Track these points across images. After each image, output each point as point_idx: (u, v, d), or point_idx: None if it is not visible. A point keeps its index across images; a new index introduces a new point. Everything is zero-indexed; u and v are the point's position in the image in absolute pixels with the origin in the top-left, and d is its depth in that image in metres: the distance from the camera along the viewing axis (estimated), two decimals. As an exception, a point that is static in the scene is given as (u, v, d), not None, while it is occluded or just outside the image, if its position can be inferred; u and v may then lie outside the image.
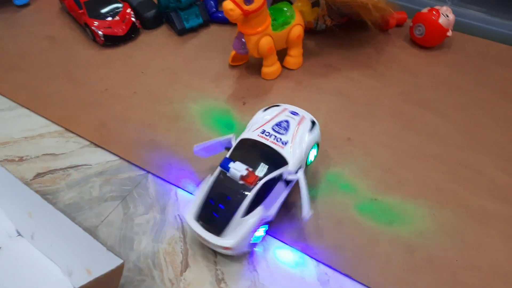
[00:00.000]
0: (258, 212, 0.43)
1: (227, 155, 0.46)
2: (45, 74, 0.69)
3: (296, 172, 0.46)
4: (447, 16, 0.70)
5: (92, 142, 0.58)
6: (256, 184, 0.43)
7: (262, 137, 0.47)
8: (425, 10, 0.72)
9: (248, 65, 0.70)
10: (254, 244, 0.46)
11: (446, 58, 0.72)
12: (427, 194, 0.51)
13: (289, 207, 0.50)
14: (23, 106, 0.63)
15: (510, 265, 0.45)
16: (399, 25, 0.78)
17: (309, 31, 0.75)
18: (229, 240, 0.42)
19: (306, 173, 0.49)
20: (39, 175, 0.54)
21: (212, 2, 0.78)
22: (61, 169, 0.55)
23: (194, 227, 0.44)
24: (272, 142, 0.47)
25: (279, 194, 0.45)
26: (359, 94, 0.65)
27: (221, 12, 0.78)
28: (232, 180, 0.44)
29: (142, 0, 0.77)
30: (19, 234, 0.48)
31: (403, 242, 0.46)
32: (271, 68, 0.66)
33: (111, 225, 0.49)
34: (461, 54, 0.73)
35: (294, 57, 0.68)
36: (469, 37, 0.77)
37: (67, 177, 0.54)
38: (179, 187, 0.52)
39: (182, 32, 0.76)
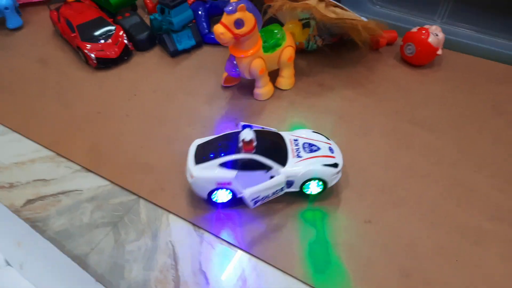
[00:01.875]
0: (228, 173, 0.49)
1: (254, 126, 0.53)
2: (36, 97, 0.69)
3: (287, 183, 0.50)
4: (437, 35, 0.71)
5: (83, 167, 0.58)
6: (247, 153, 0.48)
7: (290, 141, 0.53)
8: (414, 30, 0.73)
9: (241, 86, 0.70)
10: (217, 203, 0.52)
11: (437, 76, 0.73)
12: (422, 215, 0.51)
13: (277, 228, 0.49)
14: (14, 130, 0.63)
15: (507, 285, 0.44)
16: (390, 44, 0.79)
17: (301, 51, 0.75)
18: (197, 170, 0.49)
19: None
20: (29, 201, 0.53)
21: (204, 24, 0.78)
22: (51, 195, 0.54)
23: (191, 149, 0.51)
24: (292, 149, 0.52)
25: (259, 181, 0.49)
26: (352, 112, 0.65)
27: (214, 33, 0.78)
28: (236, 138, 0.50)
29: (134, 22, 0.78)
30: (8, 264, 0.47)
31: (399, 266, 0.46)
32: (263, 89, 0.66)
33: (102, 252, 0.48)
34: (452, 71, 0.74)
35: (286, 78, 0.69)
36: (459, 54, 0.78)
37: (57, 203, 0.53)
38: (171, 212, 0.52)
39: (174, 53, 0.76)
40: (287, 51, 0.65)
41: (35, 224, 0.51)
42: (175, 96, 0.69)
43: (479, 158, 0.58)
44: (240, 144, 0.48)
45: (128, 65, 0.75)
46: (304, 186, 0.51)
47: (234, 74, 0.65)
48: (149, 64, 0.76)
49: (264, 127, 0.54)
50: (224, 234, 0.49)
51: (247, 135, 0.48)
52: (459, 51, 0.78)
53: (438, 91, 0.70)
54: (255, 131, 0.51)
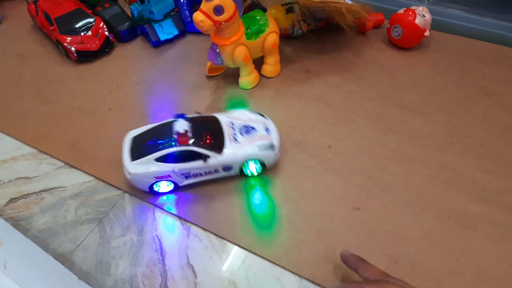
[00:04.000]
0: (165, 166, 0.49)
1: (188, 114, 0.52)
2: (16, 93, 0.67)
3: (224, 168, 0.51)
4: (424, 16, 0.70)
5: (66, 163, 0.57)
6: (182, 144, 0.48)
7: (227, 125, 0.52)
8: (401, 11, 0.71)
9: (226, 75, 0.69)
10: (158, 193, 0.52)
11: (425, 58, 0.72)
12: (409, 200, 0.51)
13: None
14: (-6, 128, 0.62)
15: (494, 270, 0.44)
16: (377, 27, 0.78)
17: (286, 37, 0.74)
18: (134, 167, 0.48)
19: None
20: (12, 200, 0.52)
21: (187, 12, 0.77)
22: (34, 193, 0.53)
23: (126, 142, 0.51)
24: (228, 133, 0.51)
25: (197, 170, 0.50)
26: (338, 99, 0.65)
27: (197, 21, 0.76)
28: (171, 129, 0.49)
29: (115, 13, 0.76)
30: (-10, 265, 0.46)
31: (387, 252, 0.46)
32: (248, 77, 0.65)
33: (87, 249, 0.47)
34: (440, 53, 0.73)
35: (271, 65, 0.67)
36: (448, 35, 0.77)
37: (40, 201, 0.52)
38: (157, 206, 0.51)
39: (157, 44, 0.74)
40: (270, 37, 0.64)
41: (18, 223, 0.50)
42: (159, 88, 0.67)
43: (467, 140, 0.58)
44: (175, 136, 0.48)
45: (110, 57, 0.74)
46: (243, 168, 0.52)
47: (217, 63, 0.63)
48: (131, 56, 0.74)
49: (200, 113, 0.54)
50: (209, 226, 0.49)
51: (180, 127, 0.48)
52: (447, 32, 0.77)
53: (425, 74, 0.69)
54: (190, 119, 0.51)
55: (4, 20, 0.82)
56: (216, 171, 0.51)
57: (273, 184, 0.53)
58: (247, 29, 0.62)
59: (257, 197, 0.52)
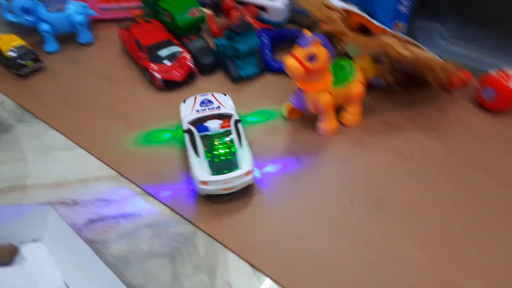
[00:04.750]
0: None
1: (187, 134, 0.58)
2: (102, 114, 0.70)
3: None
4: (519, 80, 0.66)
5: (145, 190, 0.58)
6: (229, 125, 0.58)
7: (201, 112, 0.60)
8: (493, 73, 0.68)
9: (304, 118, 0.68)
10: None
11: (516, 123, 0.67)
12: (492, 277, 0.46)
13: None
14: (79, 146, 0.64)
15: None
16: (463, 85, 0.75)
17: (368, 86, 0.72)
18: (246, 166, 0.54)
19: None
20: (90, 221, 0.54)
21: (268, 52, 0.78)
22: (112, 216, 0.54)
23: (215, 179, 0.52)
24: (213, 109, 0.61)
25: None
26: (421, 157, 0.62)
27: (277, 61, 0.77)
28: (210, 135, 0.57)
29: (200, 46, 0.78)
30: (67, 287, 0.46)
31: None
32: (328, 124, 0.64)
33: (158, 284, 0.47)
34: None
35: (352, 114, 0.66)
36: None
37: (117, 226, 0.53)
38: (231, 250, 0.50)
39: (237, 79, 0.76)
40: (356, 87, 0.63)
41: (94, 246, 0.51)
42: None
43: None
44: (222, 130, 0.57)
45: (191, 88, 0.76)
46: None
47: (300, 107, 0.63)
48: (211, 88, 0.75)
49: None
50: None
51: (215, 123, 0.58)
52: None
53: (518, 141, 0.64)
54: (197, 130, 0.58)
55: (95, 41, 0.87)
56: None
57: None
58: (334, 76, 0.61)
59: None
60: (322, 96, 0.60)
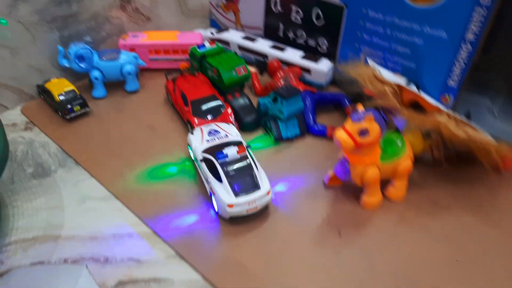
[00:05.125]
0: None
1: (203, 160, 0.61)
2: (141, 164, 0.70)
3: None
4: None
5: (178, 252, 0.55)
6: (245, 150, 0.61)
7: (211, 141, 0.64)
8: (550, 157, 0.65)
9: (344, 187, 0.66)
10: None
11: None
12: None
13: None
14: (116, 197, 0.64)
15: None
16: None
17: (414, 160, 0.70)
18: (265, 186, 0.58)
19: None
20: (120, 283, 0.51)
21: (311, 115, 0.77)
22: (143, 280, 0.52)
23: (241, 201, 0.56)
24: (222, 137, 0.65)
25: None
26: (473, 245, 0.57)
27: (319, 125, 0.76)
28: (229, 161, 0.59)
29: (243, 104, 0.79)
30: None
31: None
32: (373, 198, 0.61)
33: None
34: None
35: (398, 190, 0.63)
36: None
37: (147, 291, 0.51)
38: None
39: (278, 140, 0.75)
40: (405, 162, 0.61)
41: (123, 311, 0.48)
42: (275, 184, 0.66)
43: None
44: (238, 156, 0.60)
45: (231, 144, 0.75)
46: None
47: (344, 177, 0.61)
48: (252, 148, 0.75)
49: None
50: None
51: (232, 149, 0.60)
52: None
53: None
54: (217, 154, 0.60)
55: (141, 90, 0.89)
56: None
57: None
58: (383, 151, 0.59)
59: None
60: (369, 170, 0.58)
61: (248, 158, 0.60)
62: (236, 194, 0.57)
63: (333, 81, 0.90)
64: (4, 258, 0.54)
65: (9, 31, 0.75)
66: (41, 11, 0.78)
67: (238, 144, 0.62)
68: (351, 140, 0.54)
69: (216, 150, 0.60)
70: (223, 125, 0.69)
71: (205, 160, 0.61)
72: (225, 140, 0.64)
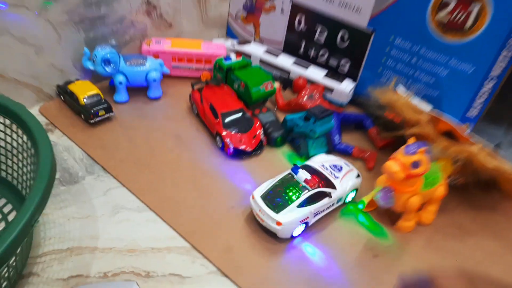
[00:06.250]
0: (309, 209, 0.59)
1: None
2: (172, 176, 0.68)
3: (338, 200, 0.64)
4: None
5: (219, 269, 0.55)
6: (315, 187, 0.59)
7: (321, 167, 0.66)
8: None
9: (378, 210, 0.68)
10: (293, 237, 0.60)
11: None
12: None
13: None
14: (150, 209, 0.62)
15: None
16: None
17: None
18: (283, 217, 0.57)
19: None
20: (165, 300, 0.50)
21: (337, 134, 0.79)
22: (188, 297, 0.51)
23: (259, 201, 0.59)
24: (327, 173, 0.65)
25: (323, 207, 0.62)
26: (497, 272, 0.60)
27: (344, 144, 0.78)
28: (295, 181, 0.61)
29: (271, 119, 0.79)
30: None
31: None
32: (409, 223, 0.63)
33: None
34: None
35: (429, 213, 0.65)
36: None
37: (194, 309, 0.50)
38: None
39: (305, 157, 0.76)
40: (441, 189, 0.63)
41: (170, 330, 0.47)
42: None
43: None
44: (304, 183, 0.60)
45: (259, 158, 0.75)
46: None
47: (386, 205, 0.62)
48: (278, 162, 0.75)
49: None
50: None
51: (306, 174, 0.61)
52: None
53: None
54: (303, 167, 0.64)
55: (163, 97, 0.88)
56: (333, 204, 0.64)
57: None
58: (425, 179, 0.61)
59: None
60: (414, 198, 0.60)
61: (307, 190, 0.60)
62: (264, 197, 0.60)
63: (351, 101, 0.93)
64: (40, 271, 0.51)
65: (38, 29, 0.73)
66: (70, 11, 0.75)
67: (327, 185, 0.62)
68: (402, 172, 0.56)
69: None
70: (353, 173, 0.68)
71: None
72: (326, 174, 0.65)
